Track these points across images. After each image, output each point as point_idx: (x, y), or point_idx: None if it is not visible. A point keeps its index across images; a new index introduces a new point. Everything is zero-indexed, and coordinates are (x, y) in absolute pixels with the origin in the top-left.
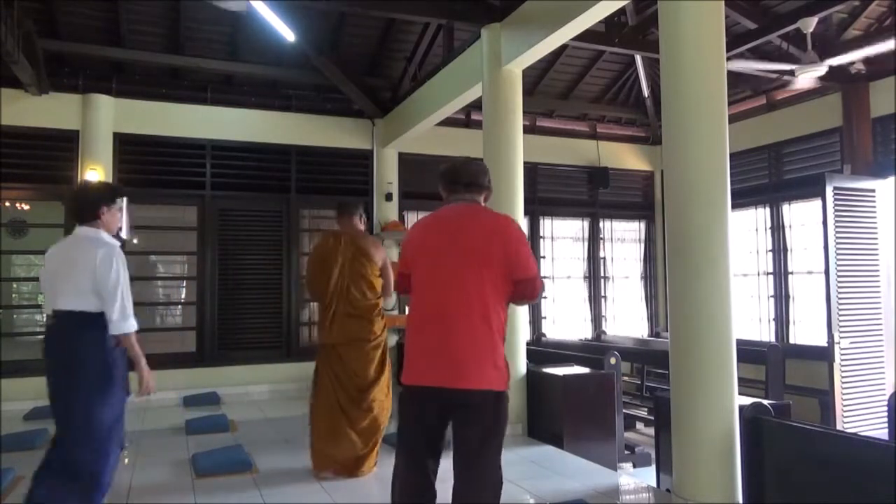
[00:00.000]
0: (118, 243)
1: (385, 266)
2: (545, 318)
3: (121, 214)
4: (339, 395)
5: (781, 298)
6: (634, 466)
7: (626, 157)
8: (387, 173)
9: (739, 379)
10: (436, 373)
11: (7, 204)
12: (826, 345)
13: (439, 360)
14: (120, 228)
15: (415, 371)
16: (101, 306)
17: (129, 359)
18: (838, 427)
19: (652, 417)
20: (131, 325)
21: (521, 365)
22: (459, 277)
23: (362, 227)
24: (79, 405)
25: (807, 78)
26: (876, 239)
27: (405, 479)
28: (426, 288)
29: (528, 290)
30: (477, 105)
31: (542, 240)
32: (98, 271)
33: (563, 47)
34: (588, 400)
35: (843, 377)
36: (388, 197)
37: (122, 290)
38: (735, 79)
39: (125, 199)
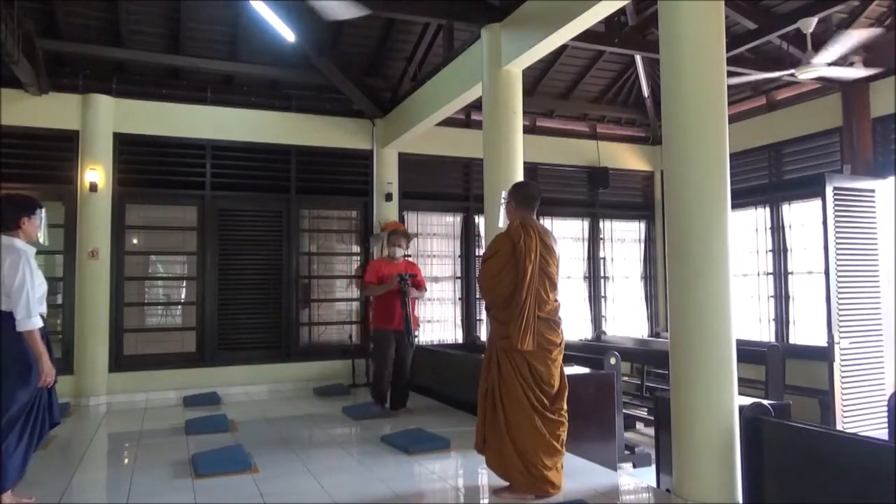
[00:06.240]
0: (33, 249)
1: None
2: None
3: (39, 223)
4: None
5: (781, 298)
6: (634, 466)
7: (626, 157)
8: (387, 173)
9: (739, 379)
10: None
11: None
12: (826, 345)
13: None
14: (38, 236)
15: None
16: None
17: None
18: (838, 427)
19: (652, 417)
20: (34, 323)
21: None
22: None
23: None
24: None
25: (838, 70)
26: (876, 239)
27: None
28: None
29: None
30: (477, 105)
31: None
32: (5, 275)
33: (563, 47)
34: (588, 400)
35: (843, 377)
36: (388, 197)
37: (26, 292)
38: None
39: (43, 209)
